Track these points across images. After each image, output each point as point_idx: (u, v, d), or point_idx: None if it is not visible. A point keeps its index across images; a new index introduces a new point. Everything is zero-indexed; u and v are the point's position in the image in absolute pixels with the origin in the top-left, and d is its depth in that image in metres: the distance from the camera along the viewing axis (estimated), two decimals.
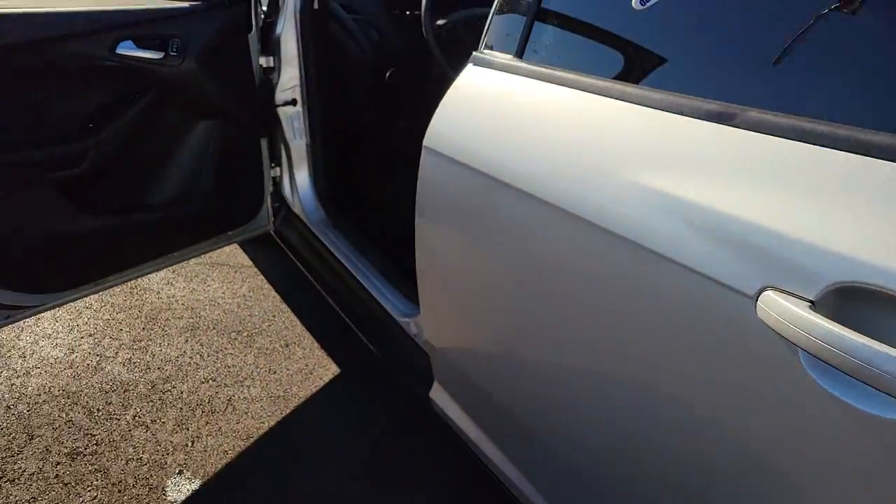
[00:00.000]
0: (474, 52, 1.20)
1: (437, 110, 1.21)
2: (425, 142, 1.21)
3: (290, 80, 2.14)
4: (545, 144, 0.96)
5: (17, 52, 1.46)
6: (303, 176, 2.29)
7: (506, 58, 1.14)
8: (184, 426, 1.88)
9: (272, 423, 1.91)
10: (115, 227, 1.72)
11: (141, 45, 1.68)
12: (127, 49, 1.65)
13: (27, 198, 1.52)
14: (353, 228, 2.16)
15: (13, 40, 1.45)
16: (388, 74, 2.11)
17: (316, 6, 2.07)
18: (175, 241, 1.95)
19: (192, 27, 1.76)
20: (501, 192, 1.02)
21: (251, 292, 2.52)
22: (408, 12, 2.17)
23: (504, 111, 1.07)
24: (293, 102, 2.16)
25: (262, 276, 2.62)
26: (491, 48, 1.20)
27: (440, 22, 1.94)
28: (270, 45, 2.12)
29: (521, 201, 0.98)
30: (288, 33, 2.07)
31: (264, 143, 2.10)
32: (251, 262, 2.74)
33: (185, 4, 1.78)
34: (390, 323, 1.81)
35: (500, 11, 1.19)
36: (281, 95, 2.14)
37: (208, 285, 2.55)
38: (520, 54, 1.12)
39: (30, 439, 1.80)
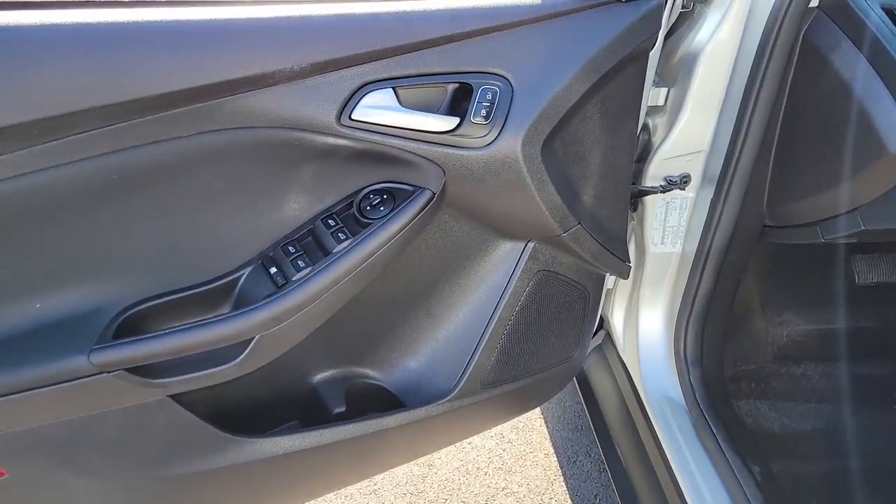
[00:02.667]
0: None
1: None
2: None
3: (690, 138, 1.04)
4: None
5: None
6: (656, 307, 1.22)
7: None
8: None
9: None
10: (301, 456, 0.85)
11: (408, 99, 0.70)
12: (375, 111, 0.69)
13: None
14: (764, 467, 1.06)
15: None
16: None
17: (815, 2, 0.89)
18: (421, 444, 1.04)
19: (527, 55, 0.73)
20: None
21: (515, 434, 1.57)
22: None
23: None
24: (681, 182, 1.07)
25: (536, 409, 1.65)
26: None
27: None
28: (669, 66, 1.03)
29: None
30: (723, 46, 0.95)
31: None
32: None
33: (525, 1, 0.74)
34: None
35: None
36: (661, 166, 1.06)
37: None
38: None
39: None
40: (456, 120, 0.72)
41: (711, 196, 1.06)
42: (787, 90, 0.96)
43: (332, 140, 0.69)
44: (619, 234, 0.95)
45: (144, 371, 0.68)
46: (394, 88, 0.69)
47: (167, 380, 0.69)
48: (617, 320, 1.29)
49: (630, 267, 0.99)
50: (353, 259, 0.72)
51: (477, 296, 0.92)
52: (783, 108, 0.98)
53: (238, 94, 0.63)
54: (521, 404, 1.10)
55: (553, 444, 1.55)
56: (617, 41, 0.77)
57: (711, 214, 1.07)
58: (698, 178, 1.08)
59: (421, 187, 0.75)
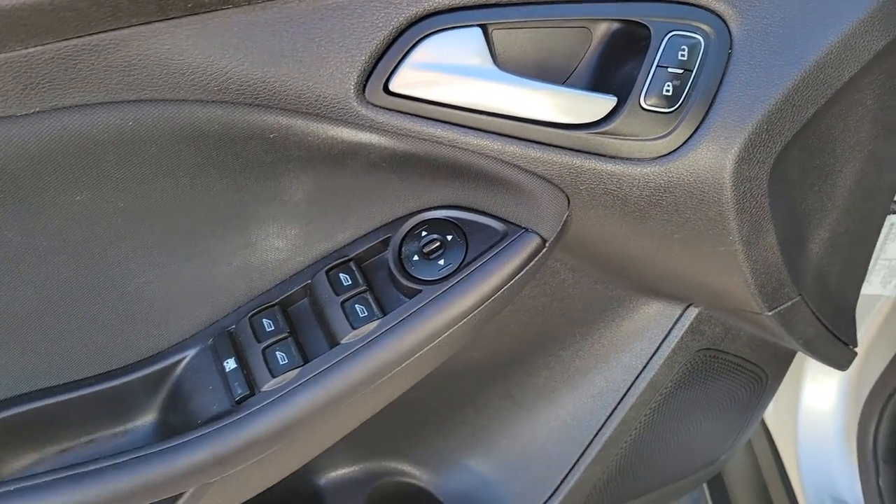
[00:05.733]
0: None
1: None
2: None
3: None
4: None
5: None
6: (831, 371, 0.83)
7: None
8: None
9: None
10: None
11: (511, 53, 0.33)
12: (439, 76, 0.32)
13: None
14: None
15: None
16: None
17: None
18: None
19: None
20: None
21: None
22: None
23: None
24: None
25: None
26: None
27: None
28: None
29: None
30: None
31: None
32: None
33: None
34: None
35: None
36: None
37: None
38: None
39: None
40: (610, 101, 0.34)
41: None
42: None
43: (346, 133, 0.34)
44: (849, 301, 0.56)
45: None
46: (486, 27, 0.32)
47: None
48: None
49: (856, 354, 0.61)
50: (378, 358, 0.38)
51: (591, 380, 0.56)
52: None
53: (125, 28, 0.28)
54: None
55: None
56: None
57: None
58: None
59: (521, 227, 0.38)
